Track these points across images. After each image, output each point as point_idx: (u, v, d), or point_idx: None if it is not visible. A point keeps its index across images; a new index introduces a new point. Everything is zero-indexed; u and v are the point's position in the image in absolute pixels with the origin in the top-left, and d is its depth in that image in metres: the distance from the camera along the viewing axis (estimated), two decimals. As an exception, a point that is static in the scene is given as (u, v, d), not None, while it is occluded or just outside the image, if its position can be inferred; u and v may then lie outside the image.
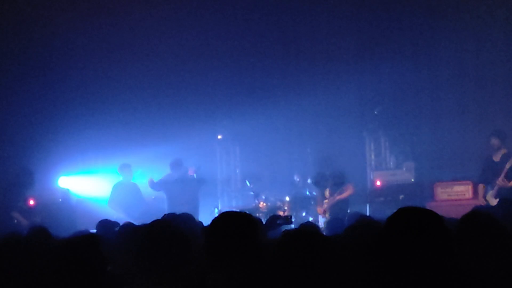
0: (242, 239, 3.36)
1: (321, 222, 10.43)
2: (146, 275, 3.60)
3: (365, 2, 13.43)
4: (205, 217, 8.72)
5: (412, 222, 2.87)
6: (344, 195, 10.76)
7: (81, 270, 3.88)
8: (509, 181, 9.77)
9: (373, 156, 13.43)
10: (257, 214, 10.75)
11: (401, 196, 11.91)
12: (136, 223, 5.74)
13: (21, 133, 12.96)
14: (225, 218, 3.49)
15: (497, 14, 12.73)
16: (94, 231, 6.28)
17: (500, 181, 9.83)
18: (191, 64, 13.97)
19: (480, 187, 10.30)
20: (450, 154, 12.94)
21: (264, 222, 5.46)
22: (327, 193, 10.92)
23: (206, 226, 4.22)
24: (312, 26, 13.93)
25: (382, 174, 12.59)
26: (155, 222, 4.45)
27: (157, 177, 12.01)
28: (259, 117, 13.29)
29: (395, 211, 2.98)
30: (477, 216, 4.06)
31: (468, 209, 4.51)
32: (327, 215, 10.62)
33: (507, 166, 9.86)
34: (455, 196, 11.31)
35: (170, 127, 13.35)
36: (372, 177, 12.66)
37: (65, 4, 13.01)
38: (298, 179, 12.74)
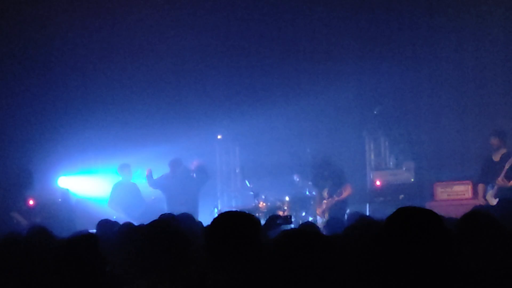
0: (242, 239, 3.37)
1: (320, 222, 10.42)
2: (146, 275, 3.61)
3: (365, 2, 13.43)
4: (205, 217, 8.73)
5: (412, 222, 2.87)
6: (343, 196, 10.76)
7: (81, 270, 3.88)
8: (509, 181, 9.77)
9: (372, 156, 13.42)
10: (257, 214, 10.74)
11: (401, 196, 11.92)
12: (136, 223, 5.74)
13: (21, 133, 12.96)
14: (225, 218, 3.49)
15: (497, 14, 12.73)
16: (94, 231, 6.28)
17: (500, 180, 9.83)
18: (191, 64, 13.97)
19: (480, 187, 10.30)
20: (450, 154, 12.93)
21: (264, 222, 5.46)
22: (325, 193, 10.92)
23: (206, 226, 4.22)
24: (312, 26, 13.93)
25: (382, 174, 12.59)
26: (155, 222, 4.45)
27: (156, 176, 12.00)
28: (259, 117, 13.29)
29: (394, 211, 2.98)
30: (477, 216, 4.07)
31: (468, 209, 4.52)
32: (326, 216, 10.62)
33: (507, 166, 9.85)
34: (455, 196, 11.31)
35: (170, 127, 13.35)
36: (371, 177, 12.66)
37: (65, 4, 13.01)
38: (298, 179, 12.74)
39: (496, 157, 10.14)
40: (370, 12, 13.37)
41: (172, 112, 13.85)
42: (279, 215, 5.69)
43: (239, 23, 13.81)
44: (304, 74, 14.00)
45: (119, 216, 10.96)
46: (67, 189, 12.68)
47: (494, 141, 10.18)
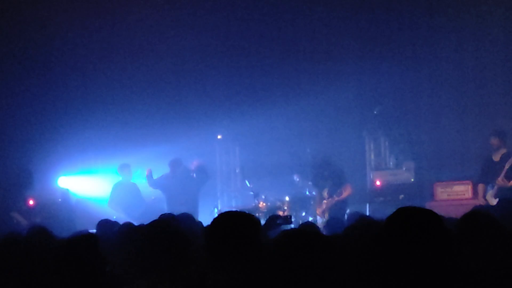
0: (242, 239, 3.36)
1: (320, 222, 10.42)
2: (146, 275, 3.61)
3: (365, 2, 13.43)
4: (205, 217, 8.73)
5: (412, 222, 2.87)
6: (343, 196, 10.76)
7: (81, 270, 3.88)
8: (509, 181, 9.76)
9: (372, 156, 13.42)
10: (257, 214, 10.74)
11: (401, 196, 11.92)
12: (136, 223, 5.74)
13: (21, 133, 12.96)
14: (225, 218, 3.49)
15: (497, 14, 12.73)
16: (94, 231, 6.28)
17: (500, 180, 9.83)
18: (191, 64, 13.97)
19: (480, 187, 10.30)
20: (450, 154, 12.93)
21: (264, 222, 5.46)
22: (325, 193, 10.92)
23: (206, 226, 4.22)
24: (312, 26, 13.93)
25: (382, 174, 12.59)
26: (155, 222, 4.45)
27: (156, 176, 12.00)
28: (259, 117, 13.29)
29: (394, 211, 2.98)
30: (477, 216, 4.07)
31: (468, 209, 4.52)
32: (326, 216, 10.62)
33: (507, 166, 9.85)
34: (455, 195, 11.31)
35: (170, 127, 13.35)
36: (371, 177, 12.66)
37: (65, 4, 13.01)
38: (298, 179, 12.74)
39: (496, 157, 10.13)
40: (370, 12, 13.36)
41: (172, 112, 13.85)
42: (279, 215, 5.68)
43: (239, 23, 13.81)
44: (304, 74, 14.00)
45: (119, 216, 10.96)
46: (67, 189, 12.68)
47: (494, 141, 10.18)
